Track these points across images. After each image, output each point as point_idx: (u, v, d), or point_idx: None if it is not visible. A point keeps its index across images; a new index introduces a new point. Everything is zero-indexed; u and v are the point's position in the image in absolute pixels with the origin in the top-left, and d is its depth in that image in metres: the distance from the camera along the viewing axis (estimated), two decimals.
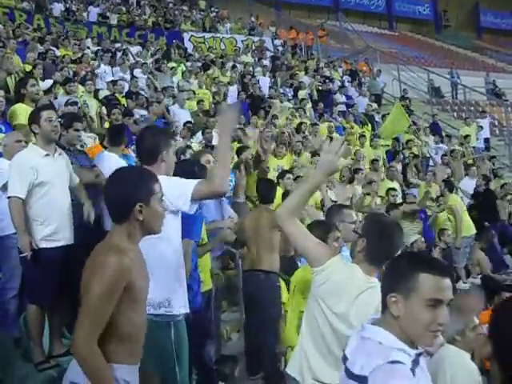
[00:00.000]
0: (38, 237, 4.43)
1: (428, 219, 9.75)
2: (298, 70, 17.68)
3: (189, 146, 8.42)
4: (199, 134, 10.26)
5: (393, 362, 1.98)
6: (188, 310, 3.45)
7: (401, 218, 8.37)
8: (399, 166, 11.59)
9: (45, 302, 4.57)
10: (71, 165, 4.90)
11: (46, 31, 15.36)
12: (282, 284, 5.75)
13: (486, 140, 16.73)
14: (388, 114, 14.48)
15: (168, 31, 18.73)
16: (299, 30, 23.32)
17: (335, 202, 7.22)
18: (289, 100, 14.68)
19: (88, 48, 14.48)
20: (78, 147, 5.88)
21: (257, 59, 18.06)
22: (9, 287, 4.93)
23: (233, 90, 14.17)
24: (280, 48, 20.73)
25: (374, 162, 10.83)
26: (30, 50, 12.12)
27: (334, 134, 12.06)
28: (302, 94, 15.52)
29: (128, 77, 12.57)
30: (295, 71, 17.51)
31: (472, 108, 20.40)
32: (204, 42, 19.17)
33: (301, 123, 11.95)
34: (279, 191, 6.99)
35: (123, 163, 5.70)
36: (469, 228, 9.71)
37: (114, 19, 18.37)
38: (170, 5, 21.93)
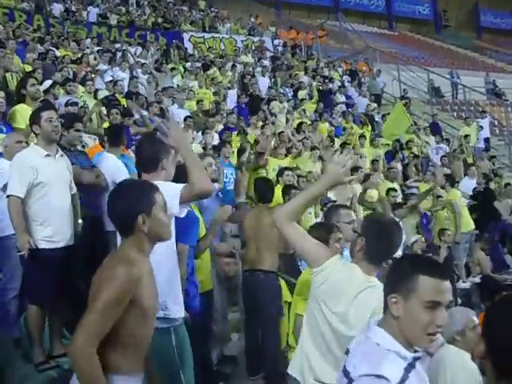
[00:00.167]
0: (37, 237, 4.42)
1: (430, 223, 9.75)
2: (298, 70, 17.69)
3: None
4: (199, 135, 10.28)
5: (378, 377, 2.00)
6: (183, 315, 3.47)
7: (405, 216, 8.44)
8: (399, 166, 11.58)
9: (45, 302, 4.57)
10: (71, 166, 4.90)
11: (46, 31, 15.38)
12: (283, 283, 5.76)
13: (486, 140, 16.74)
14: (388, 113, 14.52)
15: (168, 31, 18.75)
16: (299, 30, 23.34)
17: (335, 201, 7.22)
18: (288, 100, 14.67)
19: (88, 48, 14.49)
20: (79, 148, 5.88)
21: (257, 59, 18.07)
22: (9, 288, 4.93)
23: (232, 94, 14.17)
24: (280, 48, 20.73)
25: (374, 162, 10.83)
26: (29, 50, 12.12)
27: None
28: (301, 94, 15.53)
29: (127, 76, 12.57)
30: (295, 71, 17.52)
31: (472, 108, 20.40)
32: (204, 42, 19.19)
33: (301, 123, 11.97)
34: (278, 189, 7.00)
35: (122, 164, 5.71)
36: (467, 224, 9.75)
37: (113, 19, 18.39)
38: (170, 5, 21.95)
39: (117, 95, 10.71)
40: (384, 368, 2.02)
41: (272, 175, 8.47)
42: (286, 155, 9.95)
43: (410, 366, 2.08)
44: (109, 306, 2.36)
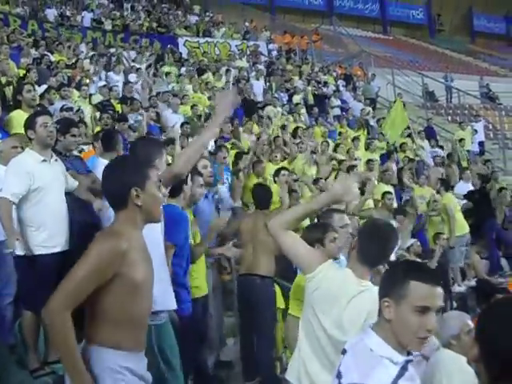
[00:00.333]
0: (33, 242, 4.40)
1: (425, 225, 9.75)
2: (293, 75, 17.71)
3: None
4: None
5: None
6: (166, 308, 3.50)
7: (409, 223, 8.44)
8: (394, 167, 11.55)
9: (40, 308, 4.52)
10: (67, 171, 4.89)
11: (41, 36, 15.35)
12: (277, 289, 5.77)
13: (481, 144, 16.79)
14: (383, 118, 14.56)
15: (162, 36, 18.75)
16: (294, 34, 23.38)
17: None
18: (283, 105, 14.68)
19: (82, 52, 14.48)
20: (75, 153, 5.87)
21: (251, 64, 18.08)
22: (5, 293, 4.90)
23: None
24: (274, 52, 20.75)
25: (369, 162, 10.72)
26: (24, 55, 12.11)
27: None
28: (296, 98, 15.55)
29: (121, 81, 12.57)
30: (290, 76, 17.53)
31: (466, 112, 20.44)
32: (199, 47, 19.17)
33: (297, 127, 11.98)
34: (275, 188, 7.04)
35: None
36: (462, 227, 9.72)
37: (108, 24, 18.38)
38: (165, 10, 21.95)
39: (112, 100, 10.71)
40: (373, 379, 2.09)
41: (269, 179, 8.50)
42: (281, 160, 9.93)
43: (403, 369, 2.14)
44: (87, 274, 2.38)
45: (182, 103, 12.05)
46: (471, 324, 3.63)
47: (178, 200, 4.52)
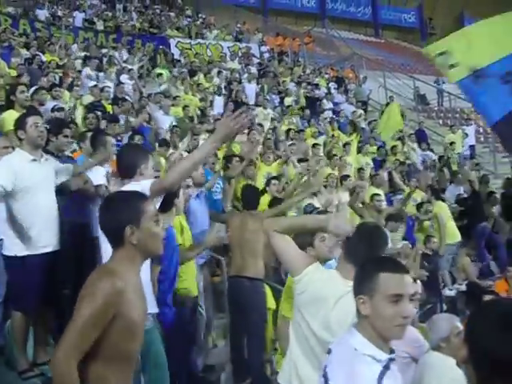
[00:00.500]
0: (23, 243, 4.38)
1: (415, 226, 9.77)
2: (285, 77, 17.72)
3: None
4: (184, 141, 10.19)
5: None
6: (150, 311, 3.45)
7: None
8: (385, 175, 11.58)
9: (29, 309, 4.52)
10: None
11: (33, 36, 15.29)
12: (268, 290, 5.77)
13: (472, 147, 16.85)
14: (375, 120, 14.58)
15: (154, 36, 18.72)
16: (286, 37, 23.42)
17: (317, 208, 7.25)
18: (275, 107, 14.68)
19: (74, 53, 14.42)
20: (67, 153, 5.85)
21: (243, 66, 18.07)
22: None
23: (219, 100, 14.14)
24: (266, 55, 20.76)
25: (360, 170, 10.81)
26: (15, 55, 12.06)
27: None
28: (288, 100, 15.55)
29: (112, 82, 12.53)
30: (282, 78, 17.54)
31: (457, 115, 20.50)
32: (191, 49, 19.15)
33: (289, 129, 11.97)
34: (265, 198, 7.01)
35: (102, 170, 5.64)
36: (453, 235, 9.77)
37: (100, 25, 18.33)
38: (157, 11, 21.93)
39: (103, 101, 10.67)
40: (357, 376, 2.16)
41: (261, 181, 8.47)
42: (274, 160, 9.90)
43: (385, 368, 2.20)
44: (88, 323, 2.31)
45: (173, 105, 12.02)
46: (460, 326, 3.64)
47: (170, 214, 4.50)
